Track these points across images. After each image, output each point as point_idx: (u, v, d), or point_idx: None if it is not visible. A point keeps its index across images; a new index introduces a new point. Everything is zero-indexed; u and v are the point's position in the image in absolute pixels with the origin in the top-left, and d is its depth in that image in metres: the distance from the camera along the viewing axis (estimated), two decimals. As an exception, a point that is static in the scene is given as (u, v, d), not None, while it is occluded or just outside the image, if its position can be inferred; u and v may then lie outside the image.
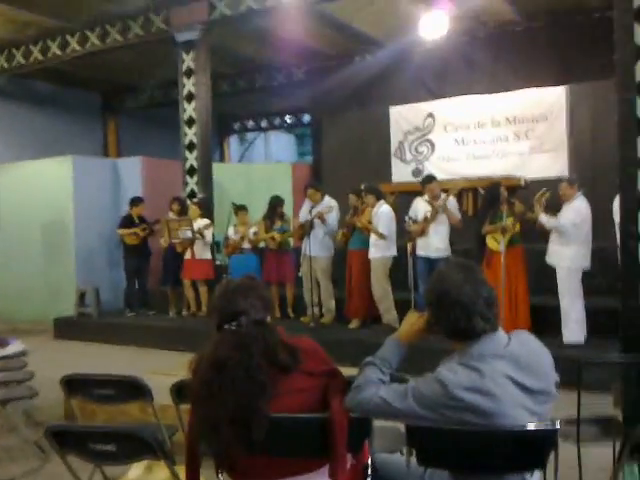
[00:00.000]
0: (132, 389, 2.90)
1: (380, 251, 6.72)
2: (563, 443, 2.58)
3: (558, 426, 1.92)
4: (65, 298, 9.17)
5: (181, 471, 2.22)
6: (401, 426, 2.10)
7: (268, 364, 2.04)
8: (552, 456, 1.97)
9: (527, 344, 2.06)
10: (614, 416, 3.03)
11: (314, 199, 7.28)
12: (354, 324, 6.99)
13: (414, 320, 2.20)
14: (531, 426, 1.93)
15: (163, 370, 4.56)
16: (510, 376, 1.94)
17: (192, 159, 8.43)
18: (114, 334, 8.14)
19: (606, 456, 2.75)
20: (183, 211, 8.30)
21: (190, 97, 8.37)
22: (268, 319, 2.16)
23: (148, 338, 7.80)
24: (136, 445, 2.19)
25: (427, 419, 1.94)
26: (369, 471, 2.19)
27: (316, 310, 7.25)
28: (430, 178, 6.76)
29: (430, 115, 9.62)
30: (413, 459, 2.03)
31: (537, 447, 1.96)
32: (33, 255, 9.76)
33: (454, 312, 2.00)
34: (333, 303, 7.32)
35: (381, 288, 6.73)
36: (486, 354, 1.96)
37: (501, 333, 2.04)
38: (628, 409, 3.19)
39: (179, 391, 2.79)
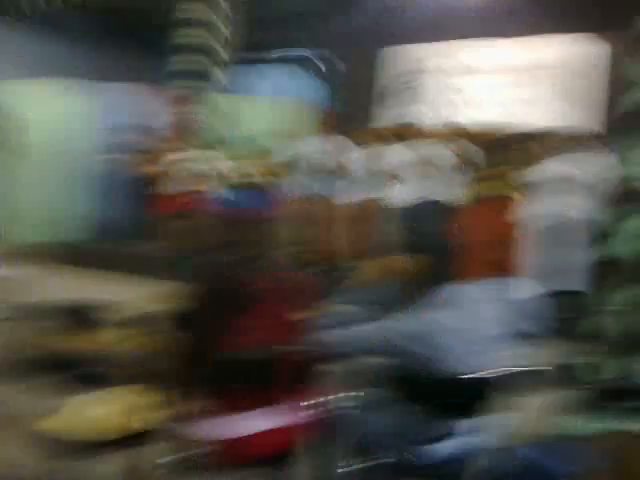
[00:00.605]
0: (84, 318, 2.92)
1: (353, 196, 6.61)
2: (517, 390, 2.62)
3: (504, 370, 1.94)
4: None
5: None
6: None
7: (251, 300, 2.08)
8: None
9: (514, 288, 2.11)
10: (573, 365, 3.06)
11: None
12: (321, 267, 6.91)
13: (393, 260, 2.17)
14: (509, 368, 2.01)
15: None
16: (489, 318, 2.00)
17: (191, 86, 8.22)
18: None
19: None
20: (174, 141, 8.17)
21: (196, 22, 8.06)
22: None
23: (124, 267, 7.67)
24: (89, 373, 2.23)
25: (402, 354, 1.96)
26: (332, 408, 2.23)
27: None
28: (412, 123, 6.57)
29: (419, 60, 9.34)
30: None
31: (483, 392, 1.99)
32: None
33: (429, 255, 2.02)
34: (314, 246, 7.22)
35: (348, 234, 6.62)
36: (466, 297, 2.01)
37: (457, 284, 2.05)
38: (587, 360, 3.22)
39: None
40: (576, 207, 5.60)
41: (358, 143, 6.73)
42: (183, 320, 2.08)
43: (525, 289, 2.10)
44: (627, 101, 3.27)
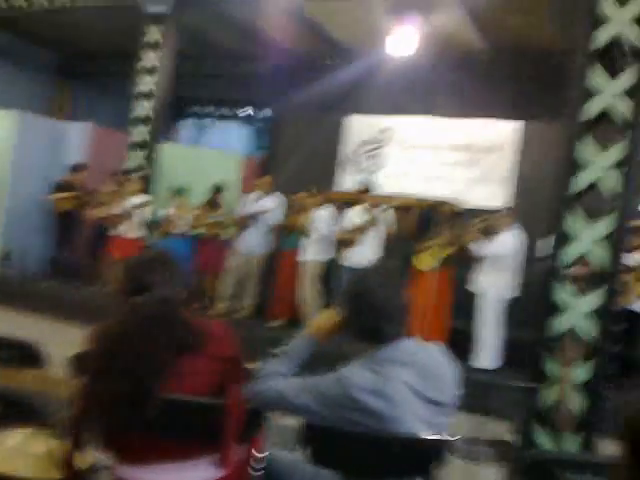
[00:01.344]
0: (28, 355, 2.77)
1: (313, 254, 6.72)
2: (457, 460, 2.63)
3: (449, 438, 1.93)
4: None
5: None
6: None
7: (170, 344, 1.99)
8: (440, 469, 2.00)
9: (434, 356, 2.07)
10: (510, 441, 3.10)
11: (266, 189, 7.25)
12: (277, 323, 6.96)
13: (328, 317, 2.18)
14: (423, 435, 1.94)
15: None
16: (411, 385, 1.95)
17: (142, 133, 8.23)
18: (34, 300, 7.84)
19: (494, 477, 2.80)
20: (122, 185, 8.11)
21: (152, 70, 8.18)
22: (181, 296, 2.10)
23: (66, 310, 7.54)
24: (23, 410, 2.10)
25: (323, 417, 1.93)
26: (258, 465, 2.15)
27: (232, 304, 7.20)
28: (368, 188, 6.78)
29: (386, 130, 9.71)
30: (304, 458, 2.02)
31: (426, 456, 1.97)
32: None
33: (366, 314, 2.00)
34: (254, 301, 7.29)
35: (309, 292, 6.72)
36: (391, 359, 1.97)
37: (410, 341, 2.05)
38: (522, 435, 3.26)
39: (78, 362, 2.68)
40: (509, 283, 5.83)
41: (319, 204, 6.86)
42: (101, 363, 1.98)
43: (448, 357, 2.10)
44: (578, 182, 3.43)
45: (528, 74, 9.02)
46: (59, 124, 10.31)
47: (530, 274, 6.21)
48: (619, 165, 3.34)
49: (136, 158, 8.21)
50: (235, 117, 15.81)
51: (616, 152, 3.38)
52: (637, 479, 1.21)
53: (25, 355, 2.77)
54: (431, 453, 1.97)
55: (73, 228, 8.48)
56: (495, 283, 5.82)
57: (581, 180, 3.44)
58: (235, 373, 2.07)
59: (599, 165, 3.40)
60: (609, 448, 3.13)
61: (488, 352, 5.82)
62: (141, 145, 8.20)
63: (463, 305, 6.12)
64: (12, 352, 2.78)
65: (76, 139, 9.80)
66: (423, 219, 6.70)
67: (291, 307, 6.90)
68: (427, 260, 6.22)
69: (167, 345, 1.96)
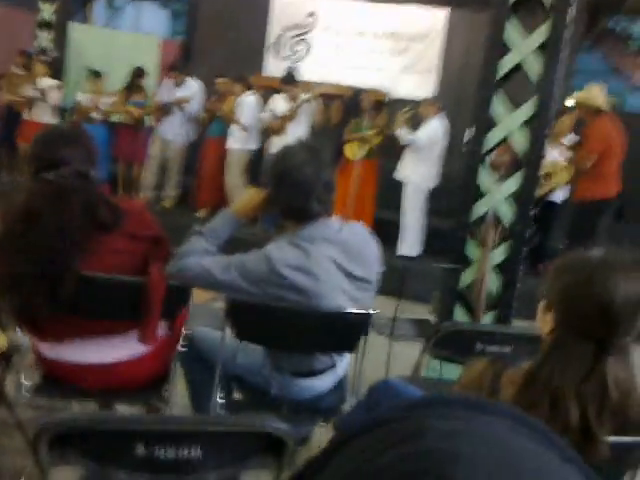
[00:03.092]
0: None
1: (239, 142, 6.56)
2: (377, 337, 2.72)
3: (372, 312, 1.98)
4: None
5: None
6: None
7: (86, 220, 1.89)
8: (363, 343, 2.05)
9: (358, 233, 2.07)
10: (429, 319, 3.23)
11: (177, 81, 6.91)
12: (202, 213, 6.86)
13: (252, 195, 2.13)
14: (347, 309, 1.98)
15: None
16: (335, 260, 1.95)
17: (48, 12, 7.57)
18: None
19: (415, 354, 2.92)
20: (29, 68, 7.52)
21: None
22: (92, 174, 1.99)
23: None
24: None
25: (248, 293, 1.92)
26: (183, 341, 2.15)
27: (156, 193, 7.05)
28: (292, 76, 6.57)
29: (312, 14, 9.33)
30: (229, 334, 2.02)
31: (350, 330, 2.01)
32: None
33: (291, 191, 1.96)
34: (177, 191, 7.14)
35: (235, 180, 6.61)
36: (316, 237, 1.95)
37: (334, 220, 2.03)
38: (441, 314, 3.40)
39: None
40: (432, 172, 5.93)
41: (242, 91, 6.61)
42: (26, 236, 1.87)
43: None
44: (505, 64, 3.40)
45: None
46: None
47: (452, 163, 6.30)
48: (543, 47, 3.33)
49: (43, 39, 7.60)
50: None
51: (540, 35, 3.35)
52: (562, 347, 1.26)
53: None
54: (355, 327, 2.01)
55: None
56: (418, 172, 5.88)
57: (505, 63, 3.41)
58: (157, 252, 2.02)
59: (524, 48, 3.37)
60: (521, 325, 3.32)
61: (410, 239, 5.97)
62: (47, 25, 7.56)
63: (389, 195, 6.19)
64: None
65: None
66: (348, 108, 6.60)
67: (217, 196, 6.78)
68: (354, 150, 6.19)
69: (81, 221, 1.86)
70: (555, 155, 5.57)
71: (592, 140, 5.13)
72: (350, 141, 6.23)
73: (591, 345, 1.23)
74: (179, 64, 7.50)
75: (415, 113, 6.08)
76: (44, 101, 7.16)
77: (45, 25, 7.58)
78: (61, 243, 1.85)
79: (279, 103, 6.49)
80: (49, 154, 1.92)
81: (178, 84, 6.89)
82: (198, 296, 2.23)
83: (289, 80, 6.47)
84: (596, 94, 5.16)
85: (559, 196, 5.83)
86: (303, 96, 6.42)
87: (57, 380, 2.00)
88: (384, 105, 7.14)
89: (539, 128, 3.45)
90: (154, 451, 1.26)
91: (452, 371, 2.49)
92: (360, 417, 1.86)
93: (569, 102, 5.70)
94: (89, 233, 1.89)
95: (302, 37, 9.42)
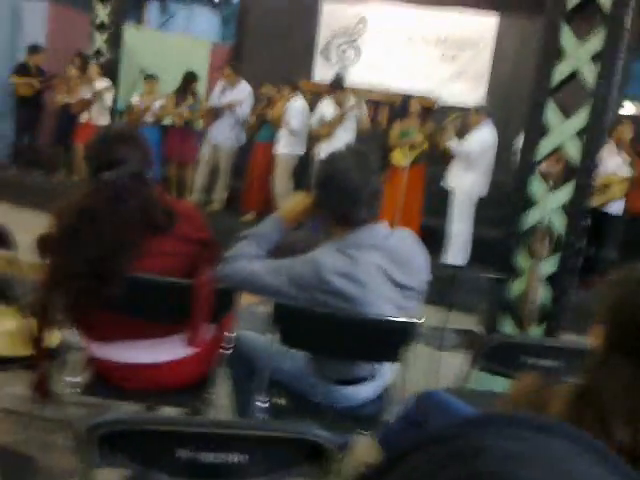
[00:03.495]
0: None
1: (287, 148, 6.59)
2: (424, 347, 2.69)
3: (417, 321, 1.95)
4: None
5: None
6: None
7: (141, 222, 1.92)
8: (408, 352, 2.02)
9: (405, 241, 2.05)
10: (475, 330, 3.18)
11: (230, 81, 6.97)
12: (249, 217, 6.91)
13: (299, 200, 2.13)
14: (393, 317, 1.95)
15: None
16: (382, 267, 1.93)
17: (103, 14, 7.75)
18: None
19: (457, 364, 2.87)
20: (85, 69, 7.71)
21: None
22: (149, 174, 2.02)
23: (31, 198, 7.37)
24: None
25: (295, 298, 1.92)
26: (229, 344, 2.16)
27: (205, 196, 7.12)
28: (340, 82, 6.56)
29: (362, 20, 9.32)
30: (276, 339, 2.02)
31: (395, 339, 1.99)
32: None
33: (338, 197, 1.95)
34: (226, 194, 7.20)
35: (282, 185, 6.64)
36: (363, 243, 1.94)
37: (382, 226, 2.02)
38: (488, 326, 3.34)
39: (43, 243, 2.61)
40: (480, 181, 5.84)
41: (290, 96, 6.64)
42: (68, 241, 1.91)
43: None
44: (560, 71, 3.33)
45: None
46: (13, 2, 9.64)
47: (499, 172, 6.20)
48: (599, 55, 3.24)
49: (98, 41, 7.78)
50: (202, 1, 15.04)
51: (597, 42, 3.27)
52: (612, 364, 1.22)
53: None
54: (399, 336, 1.98)
55: (36, 114, 8.12)
56: (467, 180, 5.80)
57: (560, 71, 3.34)
58: (207, 255, 2.03)
59: (579, 55, 3.30)
60: (570, 339, 3.24)
61: (457, 249, 5.89)
62: (103, 27, 7.74)
63: (436, 203, 6.13)
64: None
65: (33, 19, 9.19)
66: (396, 114, 6.57)
67: (264, 200, 6.83)
68: (400, 157, 6.15)
69: (136, 222, 1.90)
70: (615, 164, 5.42)
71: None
72: (398, 147, 6.19)
73: None
74: (234, 64, 7.54)
75: (463, 121, 6.01)
76: (99, 103, 7.33)
77: (101, 26, 7.76)
78: (115, 244, 1.88)
79: (327, 108, 6.49)
80: (107, 153, 1.95)
81: (232, 84, 6.95)
82: (241, 299, 2.24)
83: (337, 85, 6.47)
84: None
85: (614, 208, 5.66)
86: (351, 101, 6.42)
87: (105, 380, 2.04)
88: (432, 112, 7.09)
89: (593, 137, 3.36)
90: (197, 455, 1.26)
91: (496, 383, 2.45)
92: (405, 430, 1.83)
93: (626, 110, 5.56)
94: (143, 235, 1.91)
95: (351, 42, 9.42)
